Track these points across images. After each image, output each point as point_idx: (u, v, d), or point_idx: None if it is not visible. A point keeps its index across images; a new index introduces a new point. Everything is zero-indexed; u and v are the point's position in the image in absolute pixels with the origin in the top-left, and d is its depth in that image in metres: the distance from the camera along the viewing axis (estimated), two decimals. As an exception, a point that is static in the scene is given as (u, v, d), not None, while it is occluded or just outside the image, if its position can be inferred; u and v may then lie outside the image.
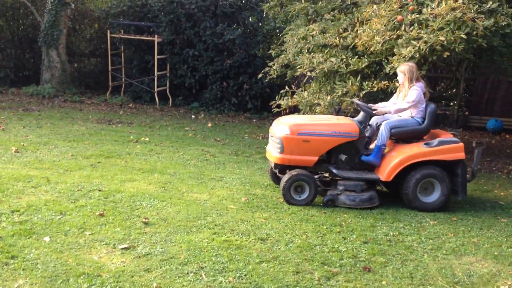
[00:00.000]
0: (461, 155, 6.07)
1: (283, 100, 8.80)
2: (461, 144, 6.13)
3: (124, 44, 14.31)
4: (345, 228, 5.38)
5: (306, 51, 8.50)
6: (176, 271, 4.21)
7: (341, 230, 5.29)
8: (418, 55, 6.83)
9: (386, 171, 6.12)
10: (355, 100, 6.84)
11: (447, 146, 6.09)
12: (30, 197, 5.64)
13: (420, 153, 6.09)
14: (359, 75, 7.73)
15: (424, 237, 5.25)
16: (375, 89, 7.61)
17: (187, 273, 4.18)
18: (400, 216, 5.89)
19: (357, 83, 7.59)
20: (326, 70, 7.87)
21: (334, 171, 6.28)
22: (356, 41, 7.67)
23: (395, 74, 7.65)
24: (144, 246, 4.65)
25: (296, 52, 8.82)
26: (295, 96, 8.74)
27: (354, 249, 4.81)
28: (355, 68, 7.69)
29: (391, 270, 4.43)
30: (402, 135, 6.35)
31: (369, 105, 6.53)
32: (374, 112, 6.44)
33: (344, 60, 7.76)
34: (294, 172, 6.14)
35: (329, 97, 7.85)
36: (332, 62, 7.79)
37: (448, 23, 6.76)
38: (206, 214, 5.53)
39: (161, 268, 4.26)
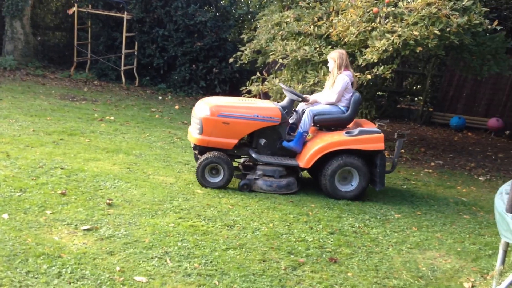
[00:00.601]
0: (380, 146, 6.04)
1: (253, 86, 8.73)
2: (381, 135, 6.08)
3: (91, 19, 13.92)
4: (312, 218, 5.36)
5: (280, 38, 8.43)
6: (140, 255, 4.10)
7: (307, 220, 5.27)
8: (391, 48, 6.85)
9: (306, 158, 6.08)
10: (281, 84, 6.72)
11: (367, 136, 6.05)
12: (-13, 172, 5.42)
13: (340, 141, 6.07)
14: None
15: (389, 230, 5.29)
16: (346, 80, 7.61)
17: (152, 258, 4.08)
18: (365, 208, 5.92)
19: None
20: (299, 58, 7.82)
21: (253, 155, 6.20)
22: (330, 30, 7.64)
23: (367, 66, 7.67)
24: (107, 228, 4.53)
25: (269, 38, 8.73)
26: (266, 83, 8.67)
27: (321, 240, 4.80)
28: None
29: (356, 262, 4.43)
30: (325, 123, 6.33)
31: (298, 93, 6.48)
32: (306, 101, 6.43)
33: (318, 49, 7.72)
34: (209, 154, 6.02)
35: (300, 86, 7.81)
36: (305, 50, 7.74)
37: (422, 18, 6.79)
38: (172, 198, 5.43)
39: (124, 251, 4.15)
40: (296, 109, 6.60)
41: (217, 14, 13.97)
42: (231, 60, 9.81)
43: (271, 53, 8.32)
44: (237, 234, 4.71)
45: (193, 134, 6.20)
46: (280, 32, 8.44)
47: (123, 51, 13.07)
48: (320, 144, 6.09)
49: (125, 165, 6.39)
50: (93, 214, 4.76)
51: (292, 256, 4.39)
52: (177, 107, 11.34)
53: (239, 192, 5.90)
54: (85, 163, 6.19)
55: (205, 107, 6.12)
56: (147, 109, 10.66)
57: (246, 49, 9.13)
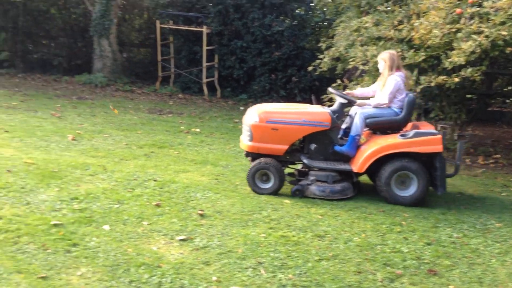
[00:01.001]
0: (437, 148, 5.77)
1: (335, 94, 8.65)
2: (439, 136, 5.82)
3: (173, 35, 14.38)
4: (406, 228, 5.22)
5: (359, 43, 8.33)
6: (234, 265, 4.16)
7: (401, 230, 5.14)
8: (479, 50, 6.59)
9: (359, 162, 5.93)
10: (330, 88, 6.56)
11: (423, 138, 5.81)
12: (88, 185, 5.71)
13: (394, 144, 5.86)
14: (416, 69, 7.52)
15: (490, 240, 5.04)
16: (432, 84, 7.40)
17: (246, 268, 4.13)
18: (463, 217, 5.69)
19: (414, 77, 7.38)
20: (381, 64, 7.68)
21: (305, 161, 6.14)
22: (412, 34, 7.45)
23: (453, 69, 7.40)
24: (201, 238, 4.63)
25: (348, 44, 8.66)
26: (347, 90, 8.58)
27: (417, 251, 4.66)
28: (411, 61, 7.49)
29: (458, 274, 4.26)
30: (378, 126, 6.16)
31: (348, 95, 6.36)
32: (355, 104, 6.27)
33: (400, 53, 7.56)
34: (259, 160, 6.02)
35: (384, 92, 7.65)
36: (387, 55, 7.59)
37: (510, 17, 6.49)
38: (261, 208, 5.47)
39: (219, 261, 4.22)
40: (350, 113, 6.45)
41: (294, 23, 14.02)
42: (310, 68, 9.80)
43: (351, 59, 8.23)
44: (329, 244, 4.67)
45: (244, 141, 6.23)
46: (359, 38, 8.34)
47: (204, 64, 13.39)
48: (373, 147, 5.92)
49: (213, 176, 6.52)
50: (187, 225, 4.89)
51: (388, 268, 4.28)
52: (258, 117, 11.46)
53: (328, 202, 5.85)
54: (175, 175, 6.38)
55: (254, 114, 6.15)
56: (230, 120, 10.84)
57: (324, 57, 9.09)
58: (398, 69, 6.18)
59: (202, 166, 6.91)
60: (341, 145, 6.16)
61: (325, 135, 6.15)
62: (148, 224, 4.84)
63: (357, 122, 6.06)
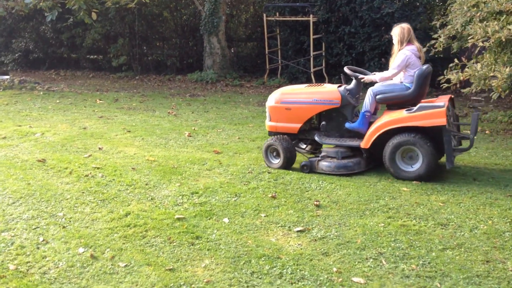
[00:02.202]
0: (440, 121, 5.58)
1: (452, 74, 8.21)
2: (442, 109, 5.60)
3: (279, 26, 14.45)
4: (538, 213, 4.85)
5: (478, 20, 7.81)
6: (354, 256, 4.10)
7: (533, 216, 4.78)
8: None
9: (365, 138, 5.99)
10: (345, 68, 6.47)
11: (426, 112, 5.67)
12: (206, 179, 5.91)
13: (397, 119, 5.82)
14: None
15: None
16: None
17: (366, 259, 4.06)
18: None
19: None
20: (503, 39, 7.14)
21: (316, 137, 6.35)
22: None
23: None
24: (318, 229, 4.62)
25: (465, 21, 8.14)
26: (466, 69, 8.09)
27: (553, 238, 4.32)
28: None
29: None
30: (389, 101, 6.11)
31: (357, 74, 6.34)
32: (361, 80, 6.25)
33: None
34: (271, 137, 6.44)
35: (507, 69, 7.13)
36: (510, 30, 7.05)
37: None
38: (378, 197, 5.34)
39: (338, 252, 4.19)
40: None
41: (404, 3, 13.48)
42: (424, 49, 9.34)
43: (469, 37, 7.74)
44: (452, 233, 4.45)
45: (266, 122, 6.70)
46: (478, 14, 7.81)
47: (311, 53, 13.32)
48: (378, 123, 5.93)
49: (327, 166, 6.46)
50: (304, 216, 4.90)
51: (520, 257, 4.01)
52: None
53: (449, 188, 5.58)
54: (289, 166, 6.41)
55: (272, 96, 6.61)
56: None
57: (440, 36, 8.63)
58: (410, 43, 6.07)
59: (315, 156, 6.88)
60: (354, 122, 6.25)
61: (338, 112, 6.31)
62: (265, 216, 4.91)
63: (367, 98, 6.13)
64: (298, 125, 6.41)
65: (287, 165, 6.30)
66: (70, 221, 4.76)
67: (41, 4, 12.03)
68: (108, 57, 16.48)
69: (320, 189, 5.63)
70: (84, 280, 3.78)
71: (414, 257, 4.04)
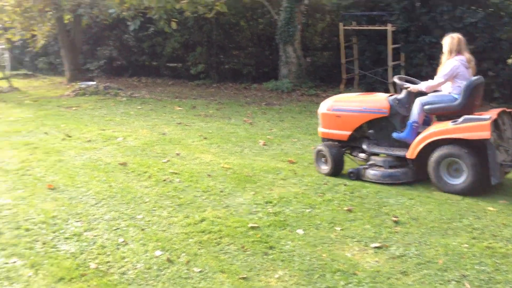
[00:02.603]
0: (484, 135, 5.44)
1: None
2: (487, 122, 5.45)
3: (356, 36, 14.25)
4: None
5: None
6: (435, 277, 3.93)
7: None
8: None
9: (411, 149, 5.95)
10: (395, 78, 6.50)
11: (470, 124, 5.56)
12: (280, 189, 5.88)
13: (441, 130, 5.78)
14: None
15: None
16: None
17: (448, 281, 3.87)
18: None
19: None
20: None
21: (364, 145, 6.41)
22: None
23: None
24: (397, 246, 4.46)
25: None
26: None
27: None
28: None
29: None
30: (436, 112, 6.08)
31: (406, 83, 6.32)
32: (407, 89, 6.24)
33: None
34: (321, 144, 6.59)
35: None
36: None
37: None
38: (462, 216, 5.09)
39: (418, 272, 4.02)
40: None
41: (488, 12, 12.92)
42: (509, 61, 8.90)
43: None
44: (544, 258, 4.17)
45: (318, 128, 6.89)
46: None
47: (390, 63, 13.02)
48: (424, 133, 5.91)
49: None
50: (381, 232, 4.75)
51: None
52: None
53: (539, 210, 5.24)
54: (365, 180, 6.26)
55: (324, 103, 6.79)
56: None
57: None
58: (459, 53, 5.97)
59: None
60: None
61: (387, 121, 6.32)
62: (340, 229, 4.81)
63: (415, 109, 6.08)
64: (348, 133, 6.52)
65: (335, 171, 6.38)
66: (148, 224, 4.87)
67: (124, 13, 12.51)
68: (186, 65, 16.86)
69: (398, 204, 5.46)
70: (160, 283, 3.84)
71: (500, 282, 3.81)
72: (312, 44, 16.55)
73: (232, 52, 17.26)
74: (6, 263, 4.06)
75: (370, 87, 13.76)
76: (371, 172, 6.16)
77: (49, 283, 3.78)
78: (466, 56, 5.99)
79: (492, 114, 5.71)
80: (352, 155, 6.71)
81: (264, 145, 7.97)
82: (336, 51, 14.98)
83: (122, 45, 17.91)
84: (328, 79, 15.22)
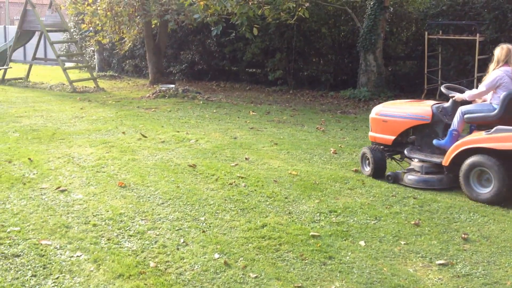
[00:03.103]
0: (507, 146, 5.47)
1: None
2: None
3: (441, 45, 13.76)
4: None
5: None
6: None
7: None
8: None
9: (446, 155, 6.05)
10: (442, 88, 6.63)
11: (502, 135, 5.57)
12: (346, 199, 5.76)
13: (473, 139, 5.85)
14: None
15: None
16: None
17: (517, 305, 3.62)
18: None
19: None
20: None
21: (405, 151, 6.58)
22: None
23: None
24: (463, 264, 4.24)
25: None
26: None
27: None
28: None
29: None
30: (475, 121, 6.12)
31: (452, 92, 6.42)
32: (452, 98, 6.35)
33: None
34: (365, 147, 6.88)
35: None
36: None
37: None
38: (539, 237, 4.76)
39: (484, 293, 3.80)
40: None
41: None
42: None
43: None
44: None
45: (369, 133, 7.19)
46: None
47: (475, 74, 12.46)
48: (459, 141, 5.98)
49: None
50: (448, 249, 4.54)
51: None
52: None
53: None
54: (437, 194, 6.01)
55: (375, 108, 7.08)
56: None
57: None
58: (507, 64, 6.00)
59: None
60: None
61: (430, 128, 6.44)
62: (405, 243, 4.64)
63: (456, 117, 6.16)
64: (392, 137, 6.71)
65: (376, 174, 6.56)
66: (210, 226, 4.92)
67: (207, 19, 12.80)
68: (265, 71, 17.00)
69: (470, 221, 5.19)
70: (215, 286, 3.86)
71: None
72: (395, 53, 16.16)
73: (312, 59, 17.20)
74: (71, 256, 4.23)
75: (452, 98, 13.24)
76: (408, 177, 6.29)
77: (109, 278, 3.90)
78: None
79: None
80: (397, 160, 6.98)
81: (335, 153, 7.84)
82: (420, 60, 14.55)
83: (204, 50, 18.34)
84: (408, 89, 14.80)
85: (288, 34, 16.11)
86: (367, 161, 6.68)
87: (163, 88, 14.26)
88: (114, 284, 3.82)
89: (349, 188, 6.13)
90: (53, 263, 4.09)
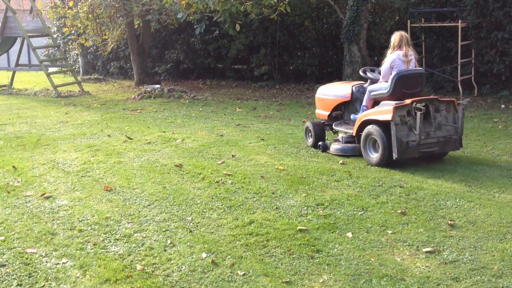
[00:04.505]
0: (387, 117, 6.48)
1: None
2: (391, 107, 6.47)
3: (424, 33, 13.78)
4: None
5: None
6: (488, 284, 3.72)
7: None
8: None
9: (354, 127, 7.13)
10: (360, 71, 7.64)
11: (381, 109, 6.69)
12: (333, 191, 5.77)
13: (367, 113, 6.90)
14: None
15: None
16: None
17: (502, 287, 3.64)
18: None
19: None
20: None
21: (333, 125, 7.71)
22: None
23: None
24: (450, 251, 4.26)
25: None
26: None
27: None
28: None
29: None
30: (376, 98, 7.01)
31: (368, 74, 7.42)
32: (370, 79, 7.37)
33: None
34: (308, 122, 8.02)
35: None
36: None
37: None
38: (524, 220, 4.79)
39: (470, 278, 3.82)
40: None
41: None
42: None
43: None
44: None
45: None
46: None
47: (459, 60, 12.49)
48: (359, 115, 7.08)
49: (466, 182, 5.97)
50: (435, 236, 4.55)
51: None
52: (523, 115, 10.20)
53: None
54: (423, 181, 6.03)
55: (318, 89, 8.21)
56: (489, 119, 9.88)
57: None
58: (399, 48, 6.89)
59: (453, 172, 6.39)
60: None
61: (352, 105, 7.52)
62: (392, 233, 4.65)
63: (365, 95, 7.19)
64: (327, 113, 7.84)
65: (316, 141, 7.67)
66: (197, 226, 4.91)
67: (190, 17, 12.74)
68: (250, 66, 16.95)
69: (456, 207, 5.22)
70: (203, 285, 3.85)
71: (561, 292, 3.54)
72: (379, 43, 16.14)
73: (296, 53, 17.16)
74: (57, 263, 4.20)
75: (437, 86, 13.28)
76: (332, 146, 7.42)
77: (95, 284, 3.88)
78: (404, 51, 6.85)
79: (406, 101, 6.56)
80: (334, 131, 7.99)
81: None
82: (405, 49, 14.55)
83: (189, 48, 18.25)
84: (394, 78, 14.80)
85: (272, 29, 16.08)
86: (310, 134, 7.79)
87: (148, 89, 14.19)
88: (101, 289, 3.81)
89: (336, 180, 6.14)
90: (39, 271, 4.06)
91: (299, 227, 4.78)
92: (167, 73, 18.77)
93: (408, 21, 13.51)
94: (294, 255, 4.27)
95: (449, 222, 4.80)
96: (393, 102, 6.56)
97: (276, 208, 5.33)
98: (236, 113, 11.11)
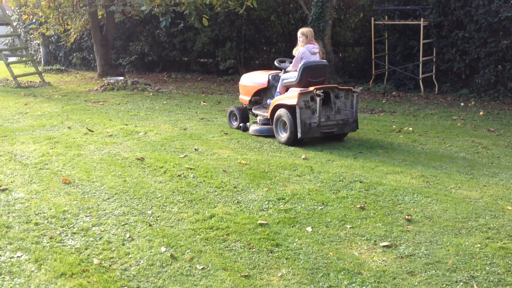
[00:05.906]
0: (293, 102, 7.40)
1: None
2: (296, 93, 7.37)
3: (388, 31, 13.97)
4: None
5: None
6: (443, 278, 3.80)
7: None
8: None
9: (268, 111, 8.01)
10: (275, 61, 8.36)
11: (289, 94, 7.62)
12: (294, 186, 5.80)
13: (279, 98, 7.79)
14: None
15: None
16: None
17: (456, 282, 3.74)
18: None
19: None
20: None
21: (252, 109, 8.56)
22: None
23: None
24: (407, 245, 4.34)
25: None
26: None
27: None
28: None
29: None
30: (288, 85, 7.87)
31: (282, 64, 8.22)
32: (284, 69, 8.15)
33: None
34: (232, 106, 9.32)
35: None
36: None
37: None
38: (478, 215, 4.92)
39: (426, 272, 3.90)
40: None
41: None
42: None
43: None
44: (561, 261, 3.98)
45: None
46: None
47: (421, 58, 12.72)
48: (273, 100, 7.95)
49: (424, 178, 6.09)
50: (392, 230, 4.63)
51: None
52: (481, 113, 10.46)
53: (562, 210, 5.02)
54: (383, 177, 6.12)
55: (241, 77, 9.02)
56: (448, 117, 10.10)
57: None
58: (311, 42, 7.85)
59: (412, 167, 6.51)
60: None
61: (269, 91, 8.36)
62: (351, 227, 4.71)
63: (279, 83, 8.02)
64: (248, 98, 8.67)
65: (239, 126, 8.51)
66: (157, 220, 4.86)
67: (155, 10, 12.58)
68: (216, 60, 16.88)
69: (414, 202, 5.31)
70: (161, 280, 3.83)
71: (510, 284, 3.65)
72: (344, 40, 16.32)
73: (262, 48, 17.19)
74: (12, 257, 4.10)
75: (399, 83, 13.49)
76: (251, 128, 8.28)
77: (50, 278, 3.81)
78: (309, 43, 7.78)
79: (310, 89, 7.41)
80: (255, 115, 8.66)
81: (284, 141, 7.87)
82: (368, 46, 14.73)
83: (154, 41, 18.04)
84: (358, 75, 15.00)
85: (238, 23, 16.04)
86: (234, 117, 8.67)
87: (111, 81, 13.98)
88: (56, 284, 3.74)
89: (298, 175, 6.17)
90: (-8, 265, 3.96)
91: (259, 221, 4.79)
92: (131, 65, 18.54)
93: (372, 19, 13.68)
94: (253, 249, 4.28)
95: (407, 217, 4.90)
96: (299, 89, 7.45)
97: (237, 202, 5.33)
98: (200, 107, 11.06)
